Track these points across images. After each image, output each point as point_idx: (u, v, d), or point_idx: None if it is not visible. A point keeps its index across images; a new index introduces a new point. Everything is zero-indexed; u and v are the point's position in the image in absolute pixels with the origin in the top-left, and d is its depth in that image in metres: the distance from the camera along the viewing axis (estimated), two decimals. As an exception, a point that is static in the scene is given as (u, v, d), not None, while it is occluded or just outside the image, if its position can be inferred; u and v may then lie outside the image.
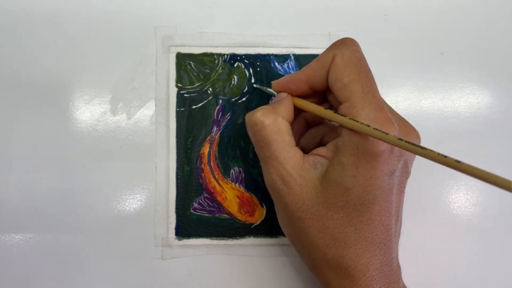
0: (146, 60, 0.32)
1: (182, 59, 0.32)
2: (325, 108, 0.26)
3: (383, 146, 0.23)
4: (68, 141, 0.32)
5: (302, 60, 0.33)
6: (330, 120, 0.26)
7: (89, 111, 0.32)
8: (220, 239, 0.32)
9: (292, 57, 0.33)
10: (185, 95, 0.32)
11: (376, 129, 0.22)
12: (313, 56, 0.33)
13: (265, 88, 0.31)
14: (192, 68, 0.32)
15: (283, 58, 0.33)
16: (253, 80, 0.33)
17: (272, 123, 0.25)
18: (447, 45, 0.34)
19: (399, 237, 0.26)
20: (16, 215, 0.31)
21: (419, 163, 0.33)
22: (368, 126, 0.23)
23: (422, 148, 0.21)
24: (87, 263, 0.31)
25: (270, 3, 0.33)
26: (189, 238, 0.32)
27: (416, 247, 0.33)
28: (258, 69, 0.33)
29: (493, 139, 0.34)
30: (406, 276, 0.33)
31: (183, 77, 0.32)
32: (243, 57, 0.33)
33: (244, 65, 0.33)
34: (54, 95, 0.32)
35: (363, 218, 0.24)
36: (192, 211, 0.32)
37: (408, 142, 0.21)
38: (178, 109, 0.32)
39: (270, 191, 0.27)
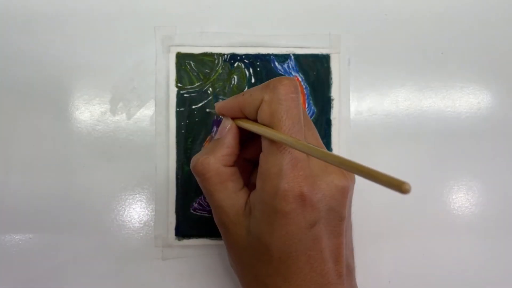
0: (146, 60, 0.32)
1: (182, 59, 0.32)
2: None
3: (292, 205, 0.23)
4: (68, 141, 0.32)
5: (302, 60, 0.33)
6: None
7: (89, 111, 0.32)
8: (220, 240, 0.32)
9: (292, 57, 0.33)
10: (185, 95, 0.32)
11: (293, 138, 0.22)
12: (313, 56, 0.33)
13: (214, 110, 0.32)
14: (192, 68, 0.32)
15: (283, 58, 0.33)
16: (253, 80, 0.33)
17: (214, 175, 0.25)
18: (447, 45, 0.34)
19: (350, 274, 0.26)
20: (16, 215, 0.31)
21: (419, 163, 0.33)
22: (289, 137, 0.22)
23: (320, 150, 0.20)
24: (87, 263, 0.31)
25: (270, 3, 0.33)
26: (189, 239, 0.32)
27: (416, 247, 0.33)
28: (258, 69, 0.33)
29: (493, 139, 0.34)
30: (407, 276, 0.33)
31: (183, 77, 0.32)
32: (243, 57, 0.33)
33: (244, 65, 0.33)
34: (54, 95, 0.32)
35: (291, 269, 0.24)
36: (192, 211, 0.32)
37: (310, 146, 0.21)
38: (178, 109, 0.32)
39: (219, 230, 0.27)
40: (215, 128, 0.32)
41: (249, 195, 0.26)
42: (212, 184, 0.25)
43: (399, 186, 0.15)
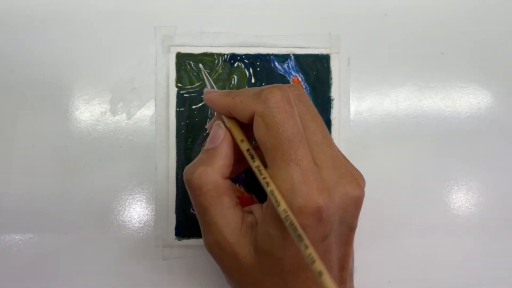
0: (146, 60, 0.32)
1: (182, 59, 0.32)
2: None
3: (308, 220, 0.22)
4: (68, 141, 0.32)
5: (302, 60, 0.33)
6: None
7: (89, 111, 0.32)
8: (220, 239, 0.32)
9: (292, 57, 0.33)
10: (185, 95, 0.32)
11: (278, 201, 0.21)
12: (313, 56, 0.33)
13: (207, 78, 0.31)
14: (192, 68, 0.32)
15: (283, 58, 0.33)
16: (253, 80, 0.33)
17: (212, 188, 0.24)
18: (447, 45, 0.34)
19: (350, 278, 0.26)
20: (16, 215, 0.31)
21: (419, 163, 0.33)
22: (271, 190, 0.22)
23: (298, 236, 0.20)
24: (87, 263, 0.31)
25: (270, 3, 0.33)
26: (189, 238, 0.32)
27: (417, 247, 0.33)
28: (258, 69, 0.33)
29: (493, 139, 0.34)
30: (407, 276, 0.33)
31: (183, 77, 0.32)
32: (243, 57, 0.33)
33: (244, 65, 0.33)
34: (54, 95, 0.32)
35: (299, 279, 0.23)
36: (192, 211, 0.32)
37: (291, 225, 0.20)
38: (178, 109, 0.32)
39: (209, 252, 0.26)
40: (215, 128, 0.32)
41: (244, 212, 0.25)
42: (209, 198, 0.24)
43: None
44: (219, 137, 0.25)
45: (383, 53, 0.34)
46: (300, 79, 0.33)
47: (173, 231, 0.32)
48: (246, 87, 0.33)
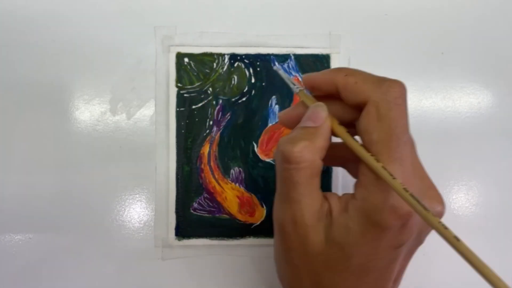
0: (146, 60, 0.32)
1: (182, 59, 0.32)
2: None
3: (395, 222, 0.21)
4: (68, 141, 0.32)
5: (302, 60, 0.33)
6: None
7: (89, 111, 0.32)
8: (220, 240, 0.32)
9: (292, 57, 0.33)
10: (185, 95, 0.32)
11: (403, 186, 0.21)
12: (313, 56, 0.33)
13: (286, 77, 0.27)
14: (192, 68, 0.32)
15: (283, 58, 0.33)
16: (253, 80, 0.33)
17: (309, 166, 0.22)
18: (447, 45, 0.34)
19: None
20: (16, 215, 0.31)
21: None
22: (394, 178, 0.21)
23: (426, 210, 0.20)
24: (87, 263, 0.31)
25: (270, 3, 0.33)
26: (189, 239, 0.32)
27: (417, 247, 0.33)
28: (258, 69, 0.33)
29: (493, 139, 0.34)
30: (407, 276, 0.33)
31: (183, 77, 0.32)
32: (243, 57, 0.33)
33: (244, 65, 0.33)
34: (54, 95, 0.32)
35: (359, 283, 0.23)
36: (192, 211, 0.32)
37: (418, 202, 0.20)
38: (178, 109, 0.32)
39: (276, 229, 0.25)
40: (215, 128, 0.32)
41: (323, 198, 0.24)
42: (303, 175, 0.22)
43: None
44: (321, 118, 0.23)
45: (383, 53, 0.34)
46: (300, 79, 0.33)
47: (173, 231, 0.32)
48: (246, 87, 0.32)
